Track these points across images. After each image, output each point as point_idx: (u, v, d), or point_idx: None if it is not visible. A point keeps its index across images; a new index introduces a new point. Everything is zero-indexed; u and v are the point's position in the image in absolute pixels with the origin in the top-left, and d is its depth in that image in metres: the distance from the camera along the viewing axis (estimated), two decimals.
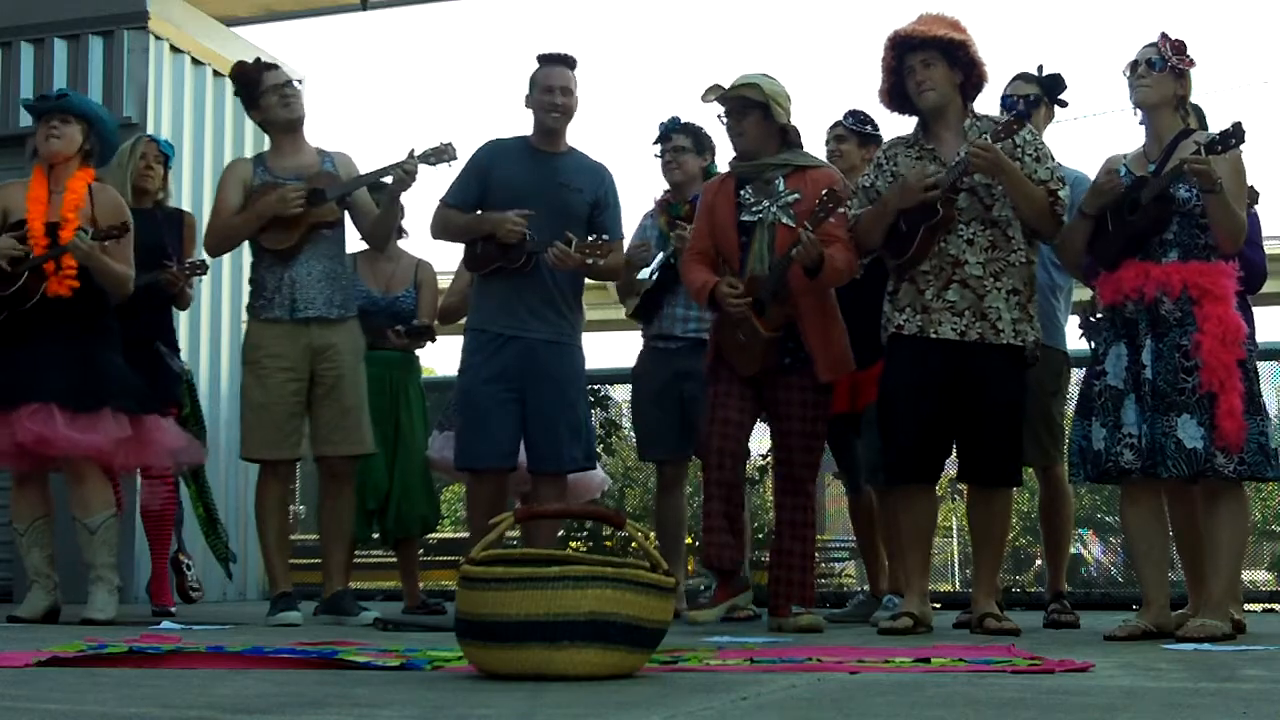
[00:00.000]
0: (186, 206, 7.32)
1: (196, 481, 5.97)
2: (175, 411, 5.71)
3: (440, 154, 5.05)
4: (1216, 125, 4.41)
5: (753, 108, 4.61)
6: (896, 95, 4.68)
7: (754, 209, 4.60)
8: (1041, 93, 5.11)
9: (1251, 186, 4.36)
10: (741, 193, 4.63)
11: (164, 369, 5.64)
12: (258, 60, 5.37)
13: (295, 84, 5.33)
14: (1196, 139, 4.10)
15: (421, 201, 39.27)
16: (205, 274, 5.85)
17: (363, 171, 5.20)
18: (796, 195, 4.58)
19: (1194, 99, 4.46)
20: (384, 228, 5.28)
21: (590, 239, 4.86)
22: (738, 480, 4.63)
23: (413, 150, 5.05)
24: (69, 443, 4.81)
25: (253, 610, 5.36)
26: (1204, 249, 4.10)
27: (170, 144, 5.96)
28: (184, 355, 6.06)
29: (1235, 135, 4.01)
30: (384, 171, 5.06)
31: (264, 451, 5.10)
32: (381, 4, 8.62)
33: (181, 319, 6.90)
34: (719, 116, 4.70)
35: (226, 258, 7.42)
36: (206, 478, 6.06)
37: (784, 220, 4.56)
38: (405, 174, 5.01)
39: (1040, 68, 5.12)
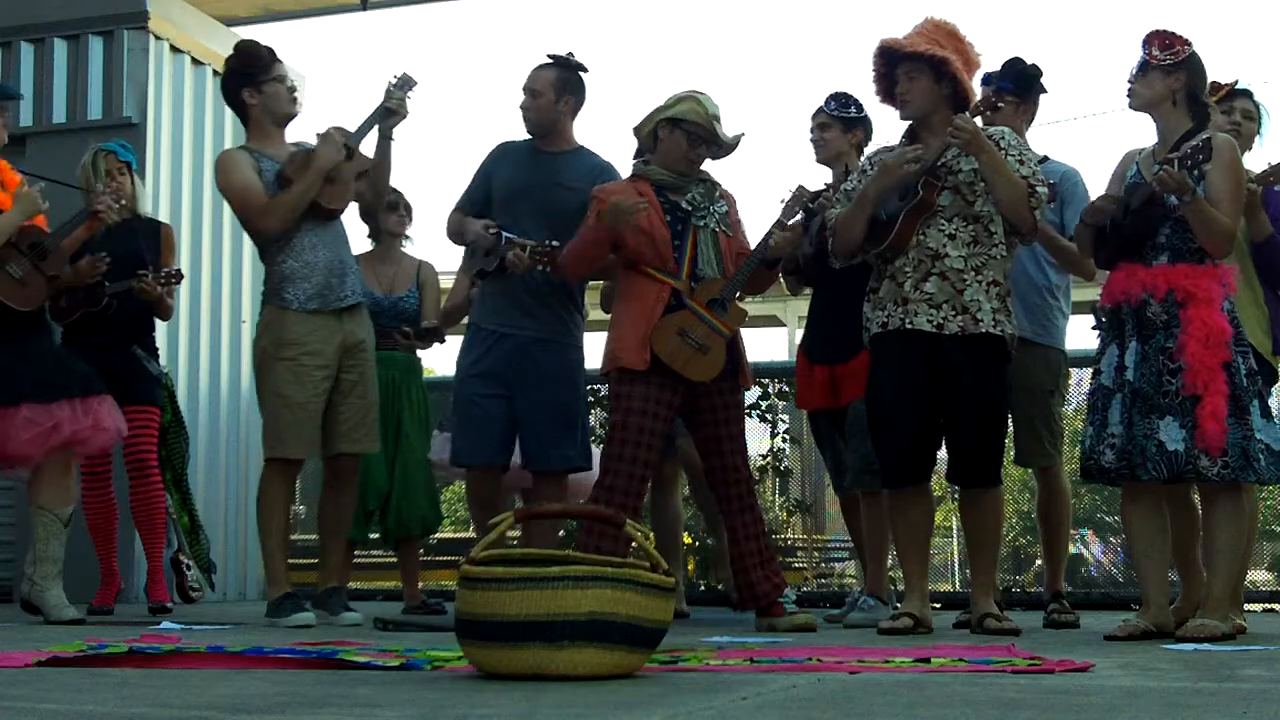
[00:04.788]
0: (187, 205, 7.37)
1: (179, 489, 5.96)
2: (156, 414, 5.74)
3: (404, 84, 5.02)
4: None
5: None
6: (890, 97, 4.70)
7: (699, 215, 4.65)
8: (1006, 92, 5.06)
9: (1277, 165, 4.34)
10: (689, 197, 4.66)
11: (142, 372, 5.68)
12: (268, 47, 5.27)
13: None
14: (1174, 155, 4.08)
15: (427, 208, 39.61)
16: (180, 283, 5.86)
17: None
18: (727, 206, 4.77)
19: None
20: (383, 171, 5.16)
21: (545, 244, 4.80)
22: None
23: (388, 88, 5.00)
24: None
25: (253, 610, 5.35)
26: (1195, 253, 4.09)
27: (129, 147, 5.84)
28: (163, 360, 6.07)
29: (1203, 152, 3.99)
30: (377, 114, 5.00)
31: (300, 450, 4.97)
32: (381, 4, 8.62)
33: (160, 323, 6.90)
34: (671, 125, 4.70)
35: (205, 262, 7.41)
36: (189, 486, 6.07)
37: (723, 229, 4.68)
38: (391, 111, 4.98)
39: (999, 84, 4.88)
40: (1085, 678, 2.81)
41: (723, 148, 4.72)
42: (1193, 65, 4.17)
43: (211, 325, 7.47)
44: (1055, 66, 5.24)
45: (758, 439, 7.25)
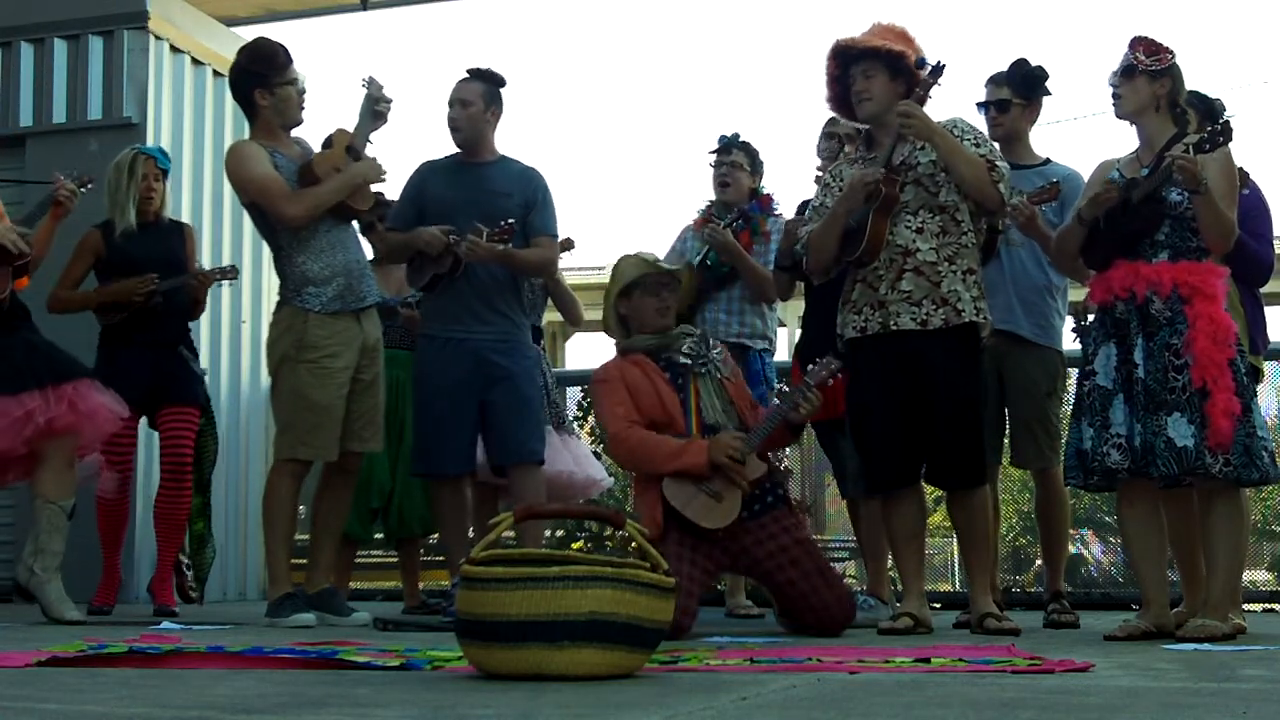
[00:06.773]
0: (187, 206, 7.35)
1: (201, 494, 5.88)
2: (197, 415, 5.73)
3: (377, 85, 5.00)
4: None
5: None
6: (843, 104, 4.72)
7: (699, 364, 4.55)
8: (1011, 94, 5.08)
9: (1240, 168, 4.34)
10: (684, 348, 4.54)
11: (187, 372, 5.68)
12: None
13: None
14: (1187, 141, 4.08)
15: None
16: (236, 278, 5.92)
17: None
18: (723, 353, 4.67)
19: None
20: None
21: (501, 224, 4.95)
22: None
23: (371, 91, 5.00)
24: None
25: (253, 610, 5.35)
26: (1195, 251, 4.09)
27: (166, 154, 5.86)
28: None
29: (1223, 134, 3.99)
30: (368, 113, 5.01)
31: (323, 452, 4.93)
32: (381, 4, 8.63)
33: None
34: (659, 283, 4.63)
35: (205, 262, 7.37)
36: (210, 494, 5.98)
37: (725, 376, 4.58)
38: (379, 115, 5.01)
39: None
40: (1085, 678, 2.81)
41: (680, 280, 4.67)
42: (1176, 73, 4.21)
43: (211, 326, 7.45)
44: (1055, 67, 5.24)
45: None
